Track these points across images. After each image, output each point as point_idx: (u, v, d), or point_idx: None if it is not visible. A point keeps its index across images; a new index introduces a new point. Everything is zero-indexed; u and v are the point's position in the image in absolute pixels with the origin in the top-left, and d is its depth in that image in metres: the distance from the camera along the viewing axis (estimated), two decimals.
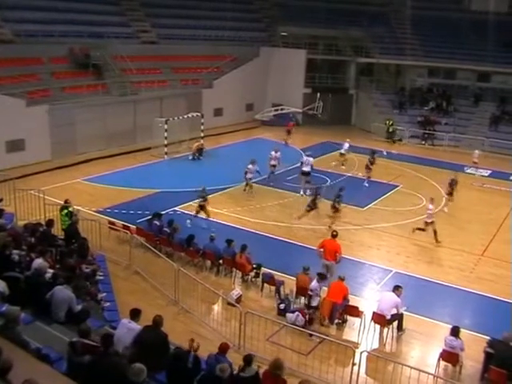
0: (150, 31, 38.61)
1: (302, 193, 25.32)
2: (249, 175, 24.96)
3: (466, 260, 19.30)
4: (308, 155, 26.48)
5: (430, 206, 20.81)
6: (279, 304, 15.03)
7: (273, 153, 27.26)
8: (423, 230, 20.61)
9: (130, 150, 31.17)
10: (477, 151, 31.52)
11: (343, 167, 30.26)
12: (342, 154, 30.92)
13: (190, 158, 31.04)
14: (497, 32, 41.16)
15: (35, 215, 18.73)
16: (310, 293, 14.58)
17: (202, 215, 21.04)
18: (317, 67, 44.28)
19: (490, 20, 42.18)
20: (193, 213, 21.17)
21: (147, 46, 37.36)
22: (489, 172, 31.26)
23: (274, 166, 27.11)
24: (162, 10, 40.08)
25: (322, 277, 14.73)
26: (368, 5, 45.47)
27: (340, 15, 43.80)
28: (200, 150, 31.37)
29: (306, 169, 25.71)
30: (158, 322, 10.12)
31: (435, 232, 20.42)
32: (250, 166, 24.94)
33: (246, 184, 25.11)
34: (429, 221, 20.59)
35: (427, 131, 38.70)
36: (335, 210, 21.67)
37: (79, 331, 9.01)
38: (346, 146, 31.06)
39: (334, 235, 17.02)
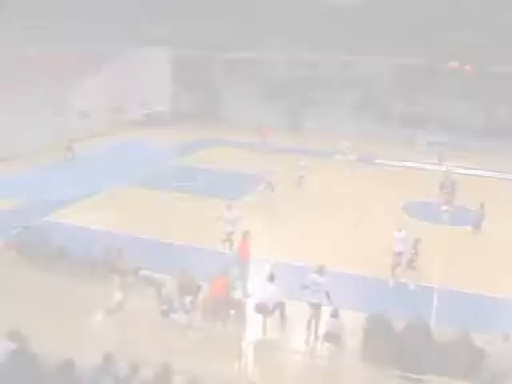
0: None
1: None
2: (229, 228, 18.25)
3: (339, 243, 19.99)
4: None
5: (395, 233, 17.42)
6: (162, 305, 14.80)
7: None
8: (398, 264, 17.17)
9: None
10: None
11: None
12: None
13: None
14: None
15: None
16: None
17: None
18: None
19: None
20: None
21: None
22: (356, 157, 32.74)
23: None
24: None
25: (321, 268, 14.31)
26: None
27: None
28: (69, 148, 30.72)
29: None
30: None
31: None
32: (225, 212, 18.45)
33: (227, 240, 18.46)
34: (396, 250, 17.12)
35: None
36: None
37: None
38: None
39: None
